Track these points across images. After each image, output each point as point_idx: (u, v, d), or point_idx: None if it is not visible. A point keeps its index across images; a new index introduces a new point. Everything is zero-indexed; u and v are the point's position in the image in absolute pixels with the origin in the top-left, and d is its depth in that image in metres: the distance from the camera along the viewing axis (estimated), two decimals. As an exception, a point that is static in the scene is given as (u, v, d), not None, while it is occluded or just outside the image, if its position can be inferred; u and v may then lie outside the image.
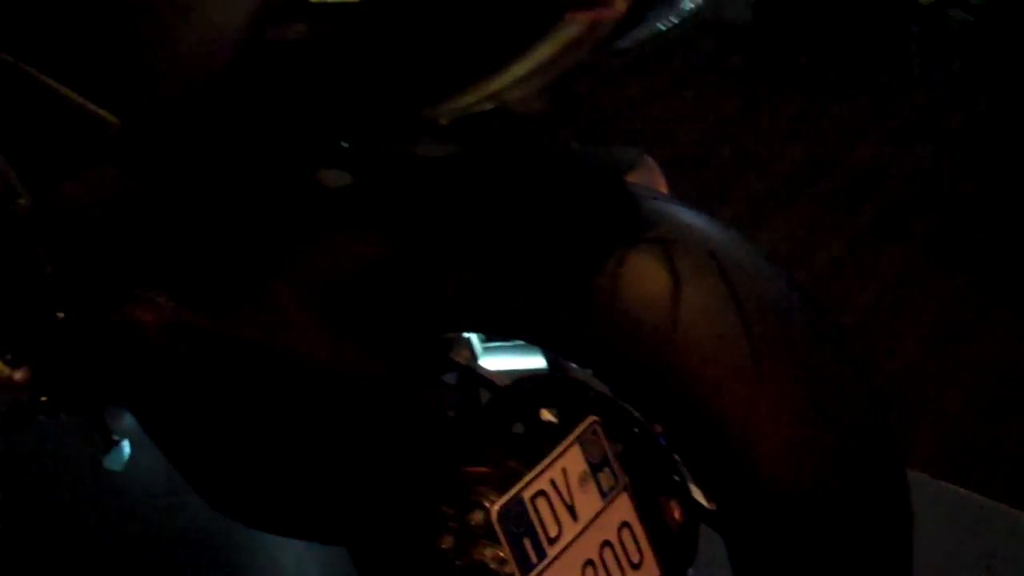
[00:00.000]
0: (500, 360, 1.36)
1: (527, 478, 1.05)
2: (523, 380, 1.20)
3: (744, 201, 2.78)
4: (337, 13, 1.00)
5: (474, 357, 1.32)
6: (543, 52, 0.93)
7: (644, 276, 1.01)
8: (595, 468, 1.08)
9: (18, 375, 1.41)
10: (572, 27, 0.91)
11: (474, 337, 1.32)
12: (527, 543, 1.05)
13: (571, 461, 1.07)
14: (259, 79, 1.08)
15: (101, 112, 1.24)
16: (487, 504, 1.12)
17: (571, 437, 1.08)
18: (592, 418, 1.09)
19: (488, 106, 1.03)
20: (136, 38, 1.23)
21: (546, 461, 1.07)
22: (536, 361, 1.27)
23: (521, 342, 1.19)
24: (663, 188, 1.23)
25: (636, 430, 1.13)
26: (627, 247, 1.03)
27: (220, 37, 1.15)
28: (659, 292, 1.00)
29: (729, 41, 3.52)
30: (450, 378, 1.27)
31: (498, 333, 1.18)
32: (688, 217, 1.08)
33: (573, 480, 1.07)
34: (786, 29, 3.37)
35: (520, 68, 0.95)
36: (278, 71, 1.06)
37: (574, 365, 1.20)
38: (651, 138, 2.91)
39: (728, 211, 2.70)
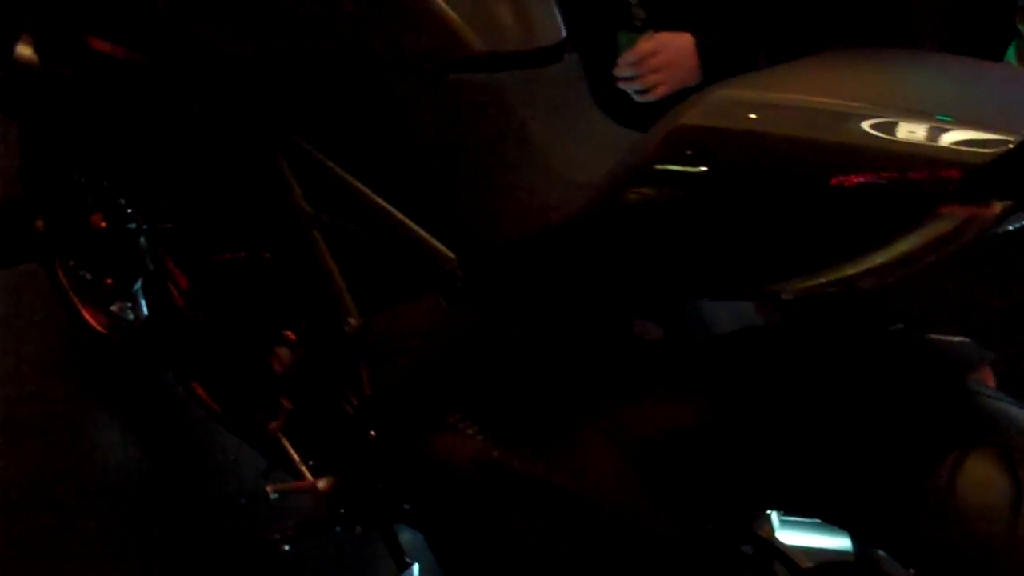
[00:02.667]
0: (799, 536, 1.32)
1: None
2: (829, 565, 1.16)
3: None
4: (685, 182, 1.01)
5: (772, 530, 1.29)
6: (908, 244, 0.91)
7: (984, 481, 0.97)
8: (908, 673, 1.03)
9: (321, 484, 1.47)
10: (944, 222, 0.89)
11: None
12: None
13: (885, 662, 1.03)
14: (599, 235, 1.10)
15: (439, 246, 1.31)
16: None
17: (888, 638, 1.03)
18: (910, 620, 1.04)
19: (836, 289, 1.01)
20: (484, 181, 1.29)
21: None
22: (836, 541, 1.23)
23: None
24: (991, 382, 1.19)
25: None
26: (967, 448, 0.99)
27: (566, 190, 1.19)
28: (999, 500, 0.96)
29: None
30: (747, 549, 1.24)
31: (810, 515, 1.14)
32: (1030, 421, 1.03)
33: None
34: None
35: (880, 258, 0.93)
36: (620, 230, 1.08)
37: (881, 552, 1.15)
38: (945, 315, 2.80)
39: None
